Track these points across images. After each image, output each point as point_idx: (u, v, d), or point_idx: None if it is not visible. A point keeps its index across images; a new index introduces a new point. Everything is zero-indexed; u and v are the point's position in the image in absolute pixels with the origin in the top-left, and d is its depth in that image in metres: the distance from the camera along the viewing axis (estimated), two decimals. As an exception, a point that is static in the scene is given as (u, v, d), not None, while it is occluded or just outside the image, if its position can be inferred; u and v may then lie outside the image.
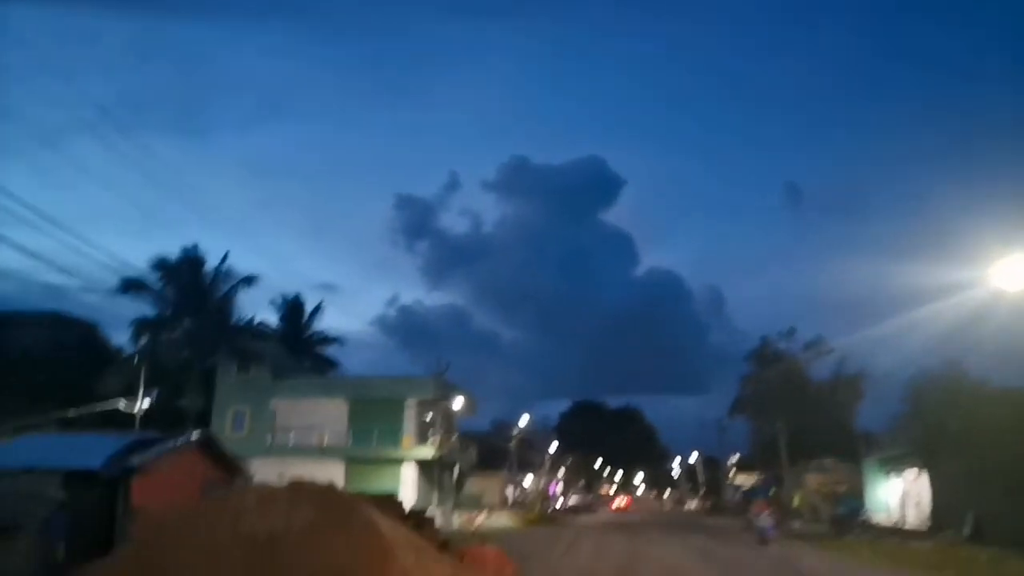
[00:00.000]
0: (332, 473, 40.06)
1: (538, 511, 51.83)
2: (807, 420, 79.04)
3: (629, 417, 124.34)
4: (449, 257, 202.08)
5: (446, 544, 15.37)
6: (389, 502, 15.01)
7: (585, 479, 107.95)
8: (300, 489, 10.12)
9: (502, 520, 42.85)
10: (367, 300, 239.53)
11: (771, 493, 58.77)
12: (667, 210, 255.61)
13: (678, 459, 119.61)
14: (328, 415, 40.60)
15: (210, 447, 16.65)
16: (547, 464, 75.88)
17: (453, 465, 46.09)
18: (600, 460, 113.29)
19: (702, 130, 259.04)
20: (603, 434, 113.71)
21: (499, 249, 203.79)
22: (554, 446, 75.66)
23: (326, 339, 55.86)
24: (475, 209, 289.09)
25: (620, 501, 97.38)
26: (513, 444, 52.34)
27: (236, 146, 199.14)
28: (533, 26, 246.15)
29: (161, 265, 39.32)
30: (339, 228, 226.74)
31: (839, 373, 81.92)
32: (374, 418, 40.01)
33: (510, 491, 61.10)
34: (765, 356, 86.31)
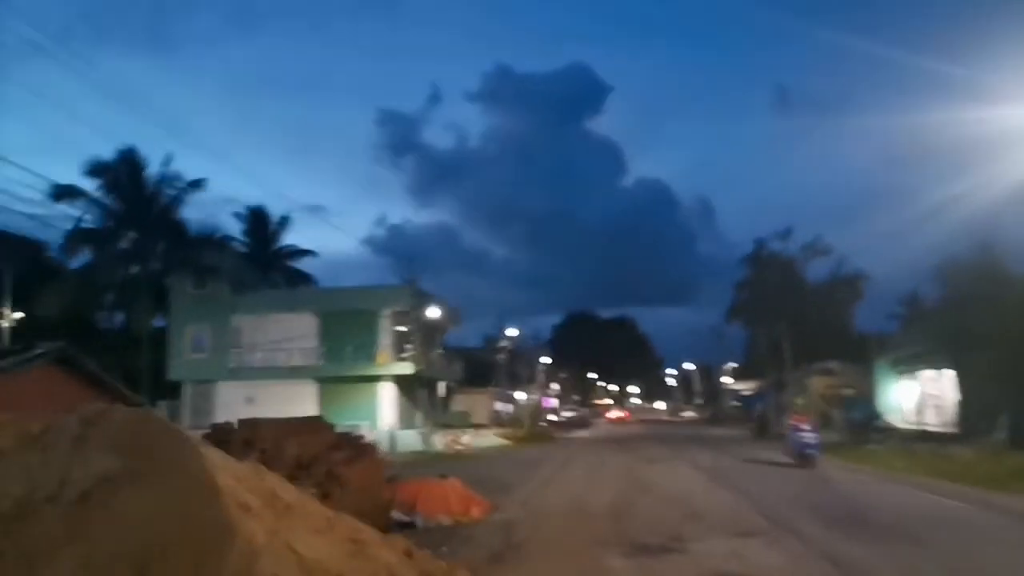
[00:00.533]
0: (303, 394, 36.84)
1: (529, 428, 48.97)
2: (806, 323, 76.31)
3: (622, 326, 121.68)
4: (435, 173, 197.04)
5: (392, 480, 11.71)
6: (311, 426, 11.28)
7: (580, 392, 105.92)
8: (93, 422, 6.17)
9: (489, 439, 39.77)
10: (356, 220, 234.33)
11: (770, 400, 56.09)
12: (655, 118, 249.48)
13: (673, 369, 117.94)
14: (296, 331, 36.83)
15: (74, 365, 12.79)
16: (540, 378, 73.09)
17: (436, 382, 42.82)
18: (595, 372, 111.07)
19: (687, 34, 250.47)
20: (597, 345, 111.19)
21: (485, 163, 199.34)
22: (546, 359, 72.60)
23: (296, 252, 51.78)
24: (459, 122, 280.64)
25: (617, 412, 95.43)
26: (502, 358, 48.96)
27: (207, 62, 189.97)
28: None
29: (98, 170, 34.85)
30: (321, 146, 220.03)
31: (837, 274, 78.90)
32: (346, 333, 36.30)
33: (501, 407, 58.12)
34: (761, 259, 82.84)
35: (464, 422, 43.64)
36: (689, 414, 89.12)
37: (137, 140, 50.40)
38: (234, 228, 48.42)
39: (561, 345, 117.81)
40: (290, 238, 49.84)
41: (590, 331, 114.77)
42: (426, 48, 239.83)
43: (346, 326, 36.41)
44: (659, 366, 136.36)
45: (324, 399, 35.98)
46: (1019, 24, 22.69)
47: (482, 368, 55.52)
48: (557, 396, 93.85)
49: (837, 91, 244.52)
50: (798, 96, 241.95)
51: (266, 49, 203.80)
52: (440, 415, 42.88)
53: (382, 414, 36.13)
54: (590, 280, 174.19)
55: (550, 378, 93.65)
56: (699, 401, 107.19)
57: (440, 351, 45.87)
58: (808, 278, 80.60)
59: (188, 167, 71.04)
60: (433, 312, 34.31)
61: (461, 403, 45.90)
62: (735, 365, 75.58)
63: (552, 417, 56.59)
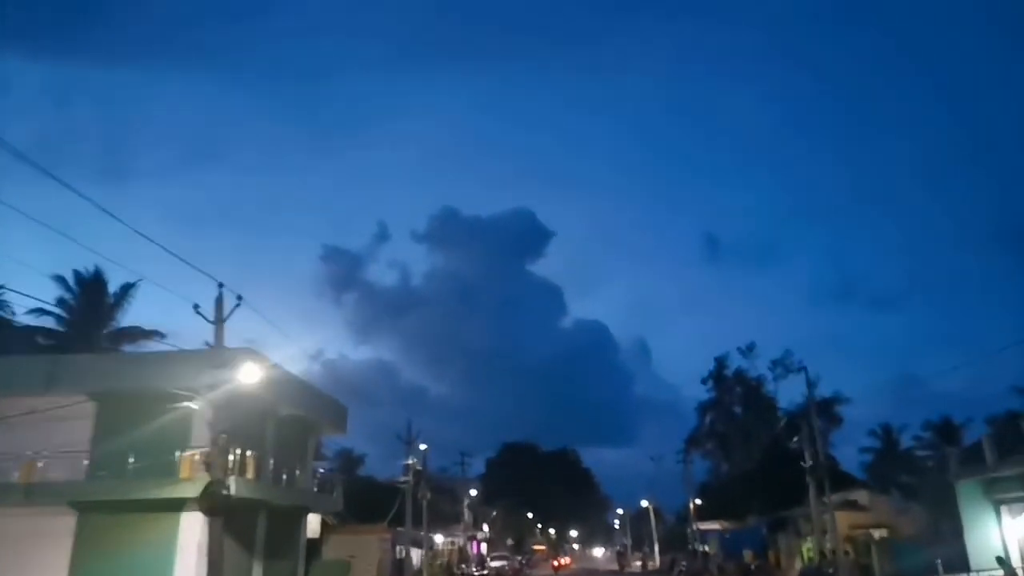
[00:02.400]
0: (51, 533, 21.68)
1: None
2: (782, 453, 63.14)
3: (564, 458, 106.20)
4: (377, 310, 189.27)
5: None
6: None
7: (515, 536, 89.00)
8: None
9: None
10: (293, 354, 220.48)
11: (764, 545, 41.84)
12: (595, 262, 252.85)
13: (620, 510, 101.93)
14: (58, 428, 21.93)
15: None
16: (466, 517, 57.43)
17: (301, 515, 27.95)
18: (532, 512, 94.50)
19: (627, 185, 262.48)
20: (536, 480, 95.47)
21: (428, 301, 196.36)
22: (474, 492, 57.36)
23: (139, 332, 37.48)
24: (404, 261, 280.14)
25: (562, 559, 79.14)
26: (409, 482, 34.14)
27: (159, 194, 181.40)
28: (464, 80, 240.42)
29: None
30: (265, 279, 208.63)
31: (810, 396, 66.90)
32: (134, 427, 21.64)
33: (415, 553, 42.58)
34: (724, 379, 70.58)
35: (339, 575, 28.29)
36: (643, 562, 73.03)
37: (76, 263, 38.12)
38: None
39: (495, 480, 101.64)
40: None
41: (528, 464, 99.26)
42: (376, 188, 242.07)
43: (134, 415, 21.82)
44: (604, 507, 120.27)
45: (85, 539, 21.02)
46: None
47: (388, 503, 40.49)
48: (487, 540, 77.13)
49: (763, 239, 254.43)
50: (727, 244, 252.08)
51: (218, 183, 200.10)
52: (302, 565, 27.63)
53: (183, 566, 20.99)
54: (529, 420, 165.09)
55: (480, 518, 77.29)
56: (647, 548, 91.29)
57: (314, 469, 31.11)
58: (779, 401, 68.59)
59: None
60: (249, 374, 18.97)
61: (341, 547, 30.49)
62: (699, 503, 61.28)
63: (474, 570, 40.60)
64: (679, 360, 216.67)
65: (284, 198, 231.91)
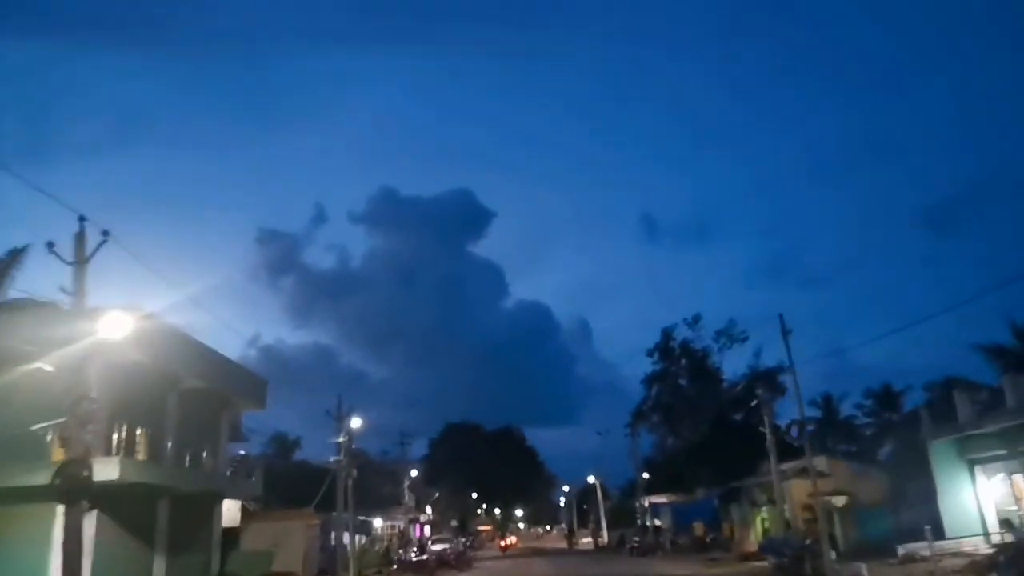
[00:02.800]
0: None
1: (377, 567, 30.91)
2: (727, 425, 61.95)
3: (509, 436, 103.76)
4: (315, 293, 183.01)
5: None
6: None
7: (459, 517, 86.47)
8: None
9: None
10: (228, 340, 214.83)
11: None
12: (535, 242, 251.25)
13: (565, 487, 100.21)
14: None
15: None
16: (407, 499, 54.44)
17: (215, 502, 24.63)
18: (477, 492, 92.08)
19: (565, 164, 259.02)
20: (480, 460, 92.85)
21: (367, 283, 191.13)
22: (415, 474, 54.41)
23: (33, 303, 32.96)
24: (343, 243, 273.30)
25: (509, 539, 76.89)
26: (341, 462, 30.96)
27: (85, 173, 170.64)
28: (402, 58, 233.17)
29: None
30: (197, 264, 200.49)
31: (755, 367, 65.74)
32: (-6, 403, 18.02)
33: (345, 538, 39.34)
34: (670, 350, 68.90)
35: (260, 568, 25.05)
36: (589, 540, 71.16)
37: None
38: None
39: (438, 461, 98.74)
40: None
41: (472, 444, 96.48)
42: (313, 168, 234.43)
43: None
44: (549, 486, 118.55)
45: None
46: None
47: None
48: (430, 522, 74.34)
49: (699, 219, 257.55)
50: (664, 224, 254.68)
51: (148, 162, 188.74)
52: (218, 556, 24.35)
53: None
54: (472, 401, 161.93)
55: (424, 500, 74.41)
56: (593, 525, 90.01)
57: (232, 451, 27.74)
58: (723, 372, 67.30)
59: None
60: (116, 328, 15.20)
61: (262, 536, 27.18)
62: (646, 477, 59.51)
63: (413, 554, 37.60)
64: (620, 340, 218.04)
65: (217, 179, 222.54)
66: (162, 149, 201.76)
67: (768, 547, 26.44)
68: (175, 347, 21.67)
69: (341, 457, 29.62)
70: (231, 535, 26.36)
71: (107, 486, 16.59)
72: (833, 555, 22.20)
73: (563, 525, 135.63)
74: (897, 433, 39.87)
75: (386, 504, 61.19)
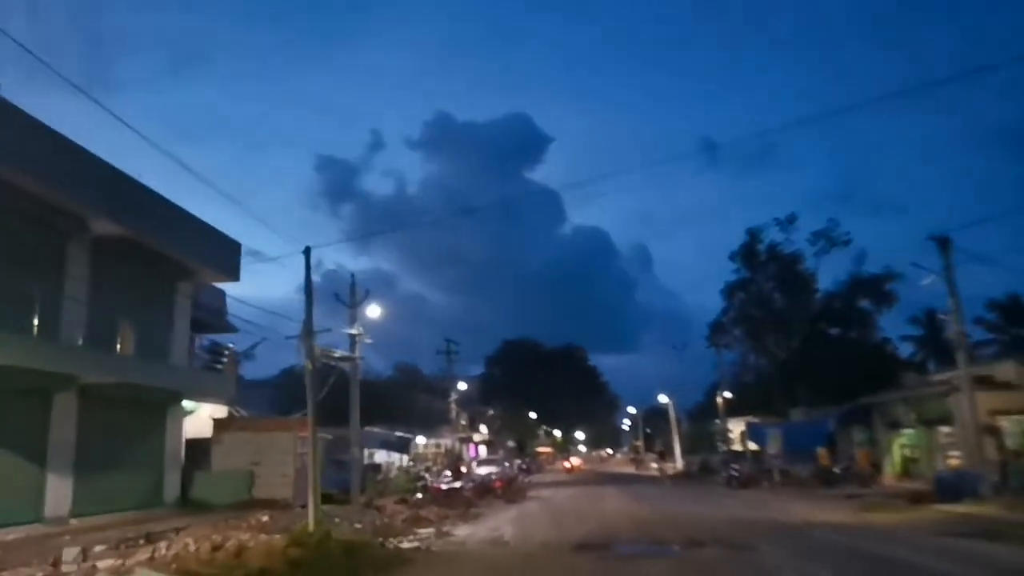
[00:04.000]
0: None
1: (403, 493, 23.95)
2: (822, 341, 53.00)
3: (570, 356, 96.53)
4: (374, 219, 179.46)
5: None
6: None
7: (517, 438, 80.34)
8: None
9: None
10: (292, 266, 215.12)
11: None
12: (593, 167, 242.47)
13: (631, 408, 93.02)
14: None
15: None
16: (454, 415, 47.57)
17: (161, 404, 17.58)
18: (535, 414, 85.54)
19: (622, 88, 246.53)
20: (539, 379, 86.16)
21: (424, 210, 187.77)
22: (464, 387, 47.43)
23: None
24: (399, 169, 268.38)
25: (573, 460, 70.71)
26: (357, 360, 23.46)
27: (145, 104, 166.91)
28: None
29: None
30: (259, 192, 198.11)
31: (859, 274, 56.02)
32: None
33: (384, 457, 32.69)
34: (756, 256, 59.56)
35: (235, 493, 18.04)
36: (657, 466, 63.87)
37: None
38: None
39: (495, 380, 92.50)
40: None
41: (530, 362, 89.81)
42: (368, 95, 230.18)
43: None
44: (612, 408, 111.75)
45: None
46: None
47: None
48: (486, 442, 68.15)
49: (761, 143, 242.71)
50: (726, 149, 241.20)
51: (206, 92, 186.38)
52: (172, 482, 17.40)
53: None
54: (531, 327, 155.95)
55: (477, 418, 68.13)
56: (660, 448, 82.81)
57: (199, 341, 20.62)
58: (818, 280, 57.82)
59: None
60: None
61: (241, 450, 20.11)
62: (728, 396, 51.27)
63: (445, 480, 30.00)
64: (682, 268, 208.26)
65: (275, 107, 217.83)
66: (220, 80, 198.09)
67: (947, 484, 18.21)
68: (73, 169, 14.17)
69: (357, 353, 22.17)
70: (198, 449, 19.38)
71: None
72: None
73: (626, 449, 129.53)
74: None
75: (435, 423, 54.99)
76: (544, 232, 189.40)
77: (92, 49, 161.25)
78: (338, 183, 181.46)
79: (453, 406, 44.42)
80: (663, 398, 58.51)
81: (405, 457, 36.89)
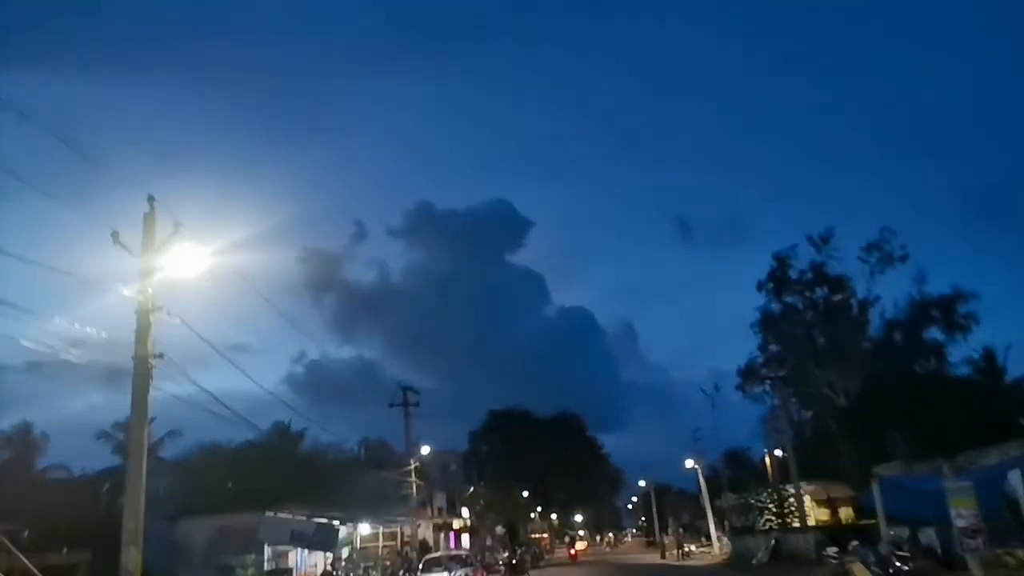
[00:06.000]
0: None
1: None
2: (880, 377, 40.59)
3: (565, 425, 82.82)
4: (357, 308, 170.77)
5: None
6: None
7: (507, 522, 65.92)
8: None
9: None
10: (276, 359, 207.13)
11: None
12: (573, 251, 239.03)
13: (642, 483, 78.30)
14: None
15: None
16: (423, 496, 34.16)
17: None
18: (527, 493, 71.12)
19: (599, 174, 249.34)
20: (532, 455, 72.37)
21: (408, 297, 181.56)
22: (427, 451, 34.03)
23: None
24: (382, 258, 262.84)
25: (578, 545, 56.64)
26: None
27: (130, 199, 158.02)
28: (432, 77, 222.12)
29: None
30: (242, 285, 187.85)
31: (923, 295, 44.06)
32: None
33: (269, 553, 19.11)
34: (787, 282, 47.64)
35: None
36: (687, 549, 49.63)
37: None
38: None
39: (482, 457, 78.53)
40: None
41: (522, 434, 76.15)
42: (350, 186, 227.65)
43: None
44: (615, 486, 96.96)
45: None
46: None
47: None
48: (468, 529, 54.23)
49: (732, 220, 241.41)
50: (698, 227, 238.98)
51: (189, 186, 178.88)
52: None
53: None
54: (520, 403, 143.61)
55: (457, 500, 54.34)
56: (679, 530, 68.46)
57: None
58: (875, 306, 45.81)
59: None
60: None
61: None
62: (782, 454, 38.29)
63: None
64: (665, 343, 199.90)
65: (257, 201, 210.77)
66: (203, 175, 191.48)
67: None
68: None
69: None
70: None
71: None
72: None
73: (633, 530, 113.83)
74: None
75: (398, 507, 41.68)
76: (529, 314, 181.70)
77: (82, 147, 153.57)
78: (322, 273, 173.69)
79: (414, 480, 31.07)
80: (689, 463, 45.07)
81: (329, 554, 23.60)
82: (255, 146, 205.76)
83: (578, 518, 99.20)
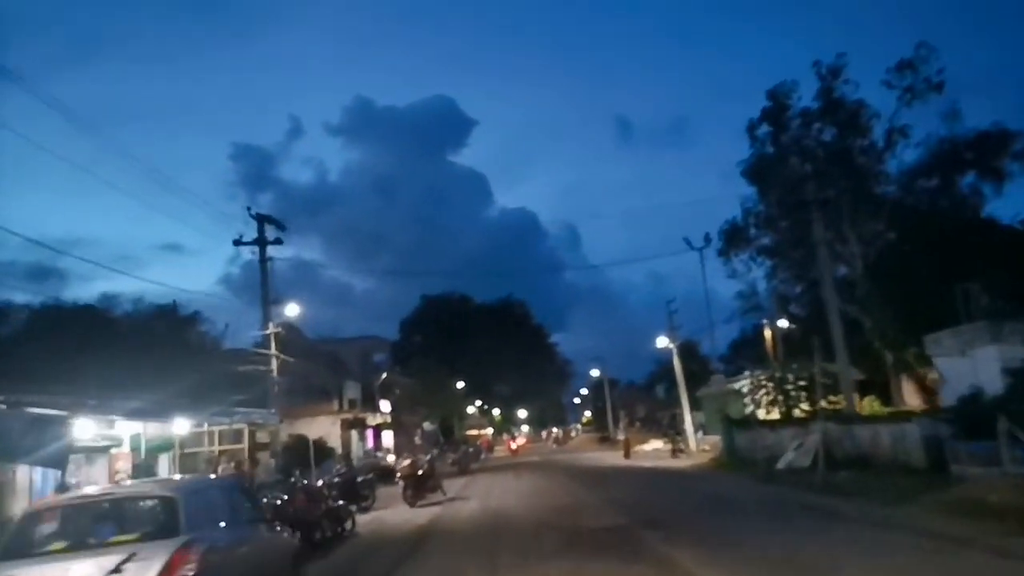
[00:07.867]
0: None
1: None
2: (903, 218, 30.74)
3: (509, 313, 72.71)
4: (294, 208, 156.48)
5: None
6: None
7: (440, 417, 56.31)
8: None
9: None
10: (212, 259, 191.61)
11: None
12: (518, 150, 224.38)
13: (595, 371, 69.11)
14: None
15: None
16: (274, 372, 23.46)
17: None
18: (463, 383, 61.23)
19: (543, 72, 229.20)
20: (471, 343, 62.37)
21: (347, 197, 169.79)
22: (292, 312, 22.84)
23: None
24: (320, 156, 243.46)
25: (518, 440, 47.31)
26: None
27: (46, 92, 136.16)
28: None
29: None
30: (173, 183, 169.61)
31: (953, 134, 33.70)
32: None
33: None
34: (784, 122, 36.32)
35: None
36: (651, 446, 40.66)
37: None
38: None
39: (415, 349, 68.35)
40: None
41: (459, 322, 65.92)
42: (285, 80, 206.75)
43: None
44: (563, 378, 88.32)
45: None
46: None
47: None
48: (389, 425, 44.33)
49: (672, 121, 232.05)
50: (639, 127, 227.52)
51: (114, 79, 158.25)
52: None
53: None
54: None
55: (376, 394, 44.04)
56: (667, 424, 60.51)
57: None
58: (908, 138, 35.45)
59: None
60: None
61: None
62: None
63: None
64: (608, 245, 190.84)
65: (187, 94, 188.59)
66: (129, 66, 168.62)
67: None
68: None
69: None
70: None
71: None
72: None
73: (577, 426, 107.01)
74: None
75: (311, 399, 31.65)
76: (472, 215, 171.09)
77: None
78: (257, 171, 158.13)
79: (273, 354, 20.19)
80: (662, 341, 35.21)
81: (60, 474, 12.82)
82: (182, 38, 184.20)
83: (522, 413, 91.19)
